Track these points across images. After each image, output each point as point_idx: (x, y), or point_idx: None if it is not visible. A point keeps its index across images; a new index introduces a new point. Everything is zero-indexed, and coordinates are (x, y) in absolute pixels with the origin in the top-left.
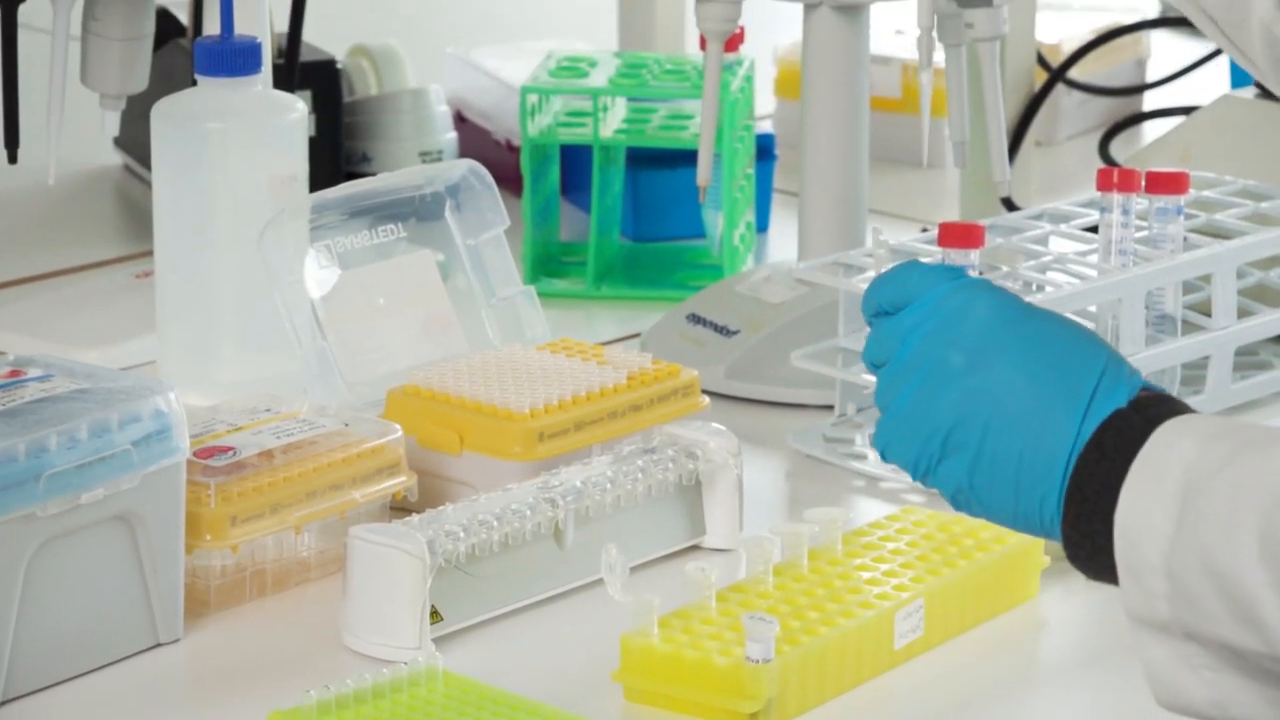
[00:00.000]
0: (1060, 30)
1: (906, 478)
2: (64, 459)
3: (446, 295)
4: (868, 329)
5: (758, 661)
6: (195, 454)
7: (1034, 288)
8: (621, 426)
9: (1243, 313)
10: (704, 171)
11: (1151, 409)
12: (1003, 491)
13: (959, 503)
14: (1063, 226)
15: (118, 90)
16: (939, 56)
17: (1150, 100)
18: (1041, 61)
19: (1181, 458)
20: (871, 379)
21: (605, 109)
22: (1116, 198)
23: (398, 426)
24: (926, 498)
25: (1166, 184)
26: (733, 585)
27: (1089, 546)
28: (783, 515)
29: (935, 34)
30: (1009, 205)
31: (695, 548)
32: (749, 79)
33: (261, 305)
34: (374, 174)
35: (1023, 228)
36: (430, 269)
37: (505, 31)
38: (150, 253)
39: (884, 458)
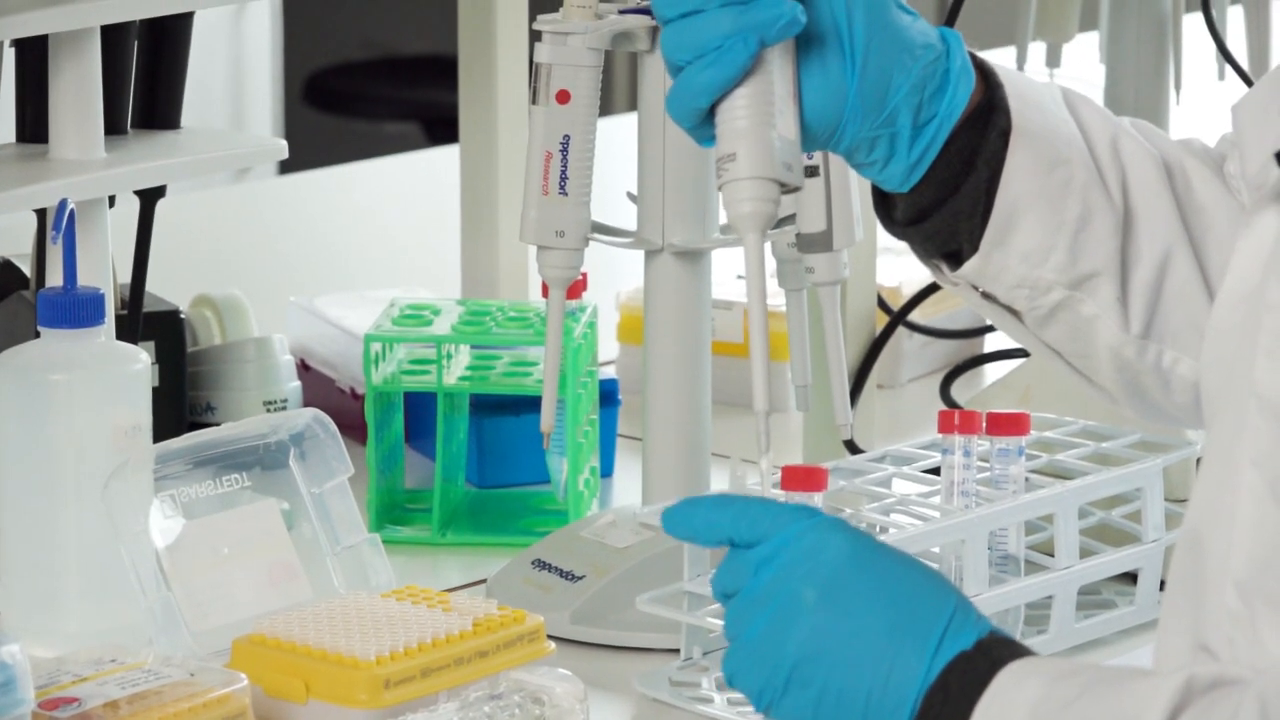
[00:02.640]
0: (900, 274)
1: (754, 714)
2: None
3: (291, 544)
4: (713, 570)
5: None
6: (40, 705)
7: (878, 530)
8: (468, 673)
9: (1085, 552)
10: (548, 418)
11: (996, 651)
12: None
13: None
14: (905, 469)
15: None
16: (779, 300)
17: (990, 342)
18: (882, 305)
19: (1027, 699)
20: (717, 623)
21: (449, 356)
22: (958, 439)
23: (243, 676)
24: None
25: (1007, 425)
26: None
27: None
28: None
29: (776, 279)
30: (852, 448)
31: None
32: (592, 325)
33: (106, 556)
34: (218, 423)
35: (866, 470)
36: (275, 518)
37: (348, 280)
38: None
39: (730, 684)
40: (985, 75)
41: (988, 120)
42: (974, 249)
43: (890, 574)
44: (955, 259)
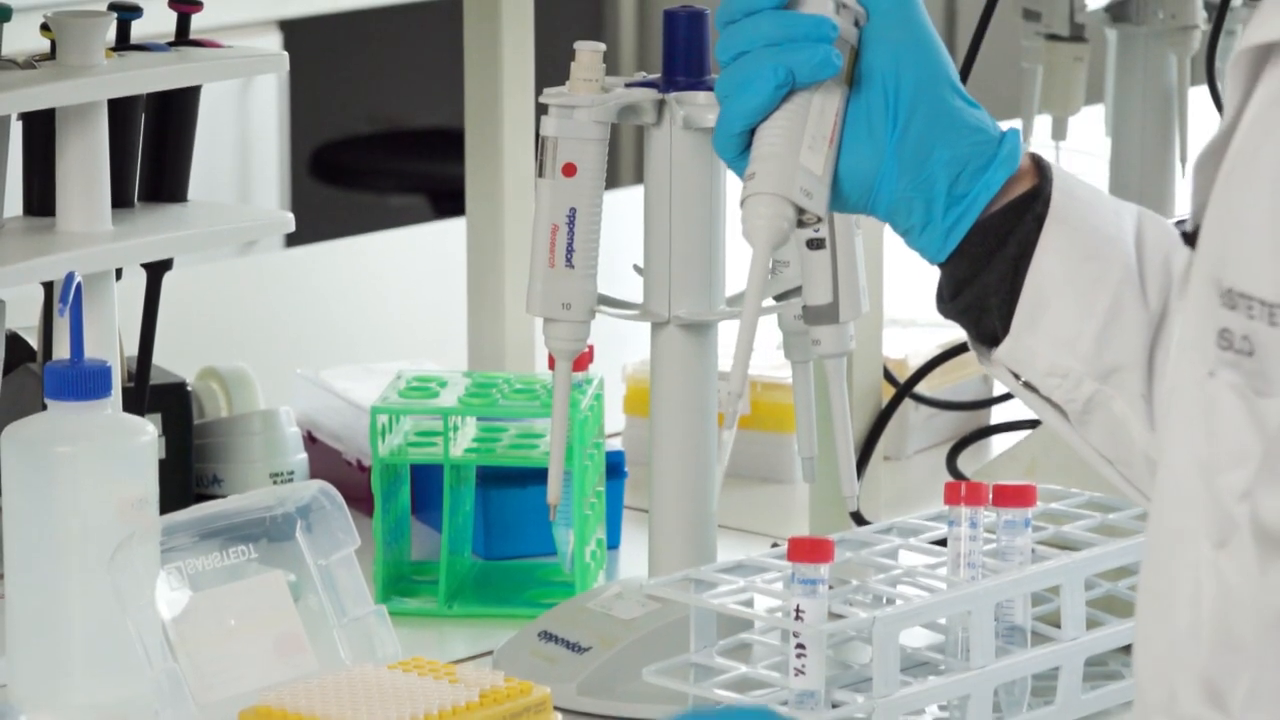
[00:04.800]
0: (906, 346)
1: None
2: None
3: (298, 615)
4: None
5: None
6: None
7: (884, 601)
8: None
9: (1092, 623)
10: (554, 490)
11: None
12: None
13: None
14: (912, 540)
15: None
16: (785, 372)
17: (997, 414)
18: (888, 377)
19: None
20: (725, 695)
21: (455, 428)
22: (964, 511)
23: None
24: None
25: (1013, 497)
26: None
27: None
28: None
29: (782, 350)
30: (858, 519)
31: None
32: (598, 397)
33: (112, 627)
34: (224, 496)
35: (872, 541)
36: (281, 589)
37: (354, 353)
38: (0, 575)
39: None
40: (1041, 171)
41: (1029, 206)
42: (1006, 330)
43: None
44: (994, 343)
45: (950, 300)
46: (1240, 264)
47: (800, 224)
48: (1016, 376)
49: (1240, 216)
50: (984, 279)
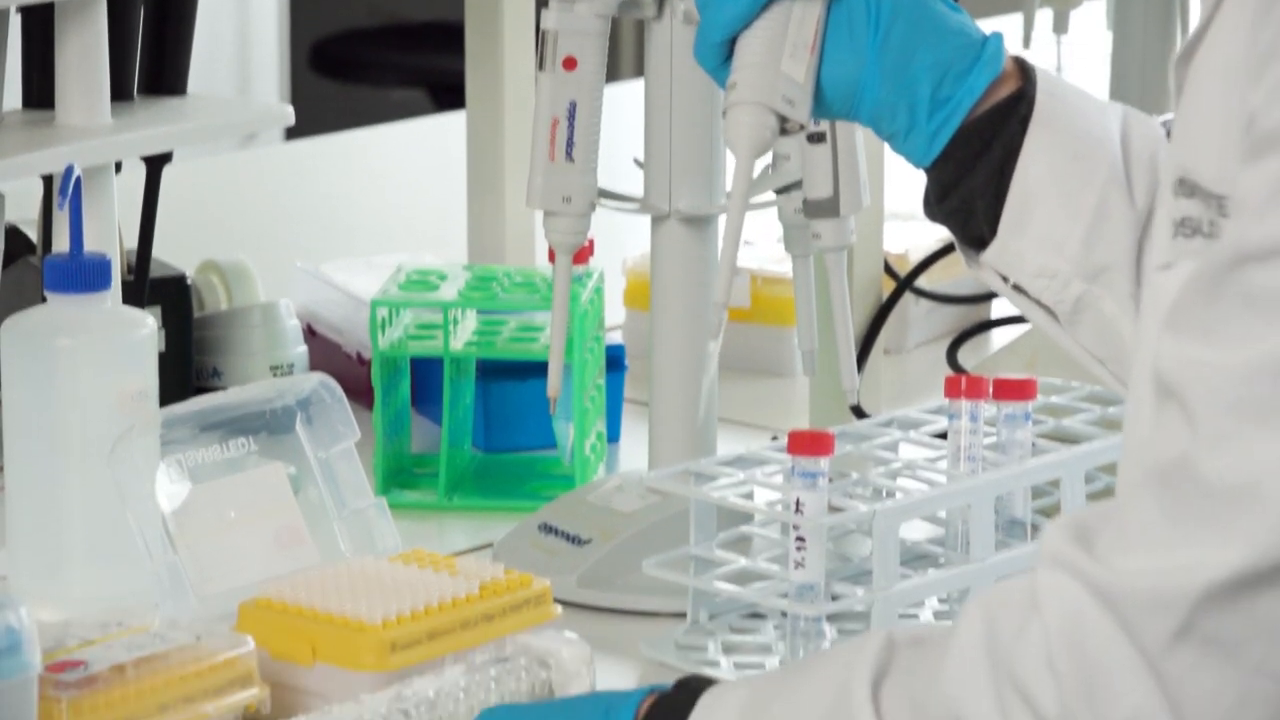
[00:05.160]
0: (907, 239)
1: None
2: None
3: (298, 508)
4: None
5: None
6: (47, 669)
7: (884, 494)
8: (474, 636)
9: None
10: (554, 383)
11: (693, 684)
12: None
13: None
14: (912, 433)
15: None
16: (786, 266)
17: (997, 308)
18: (889, 270)
19: (733, 703)
20: (725, 587)
21: (455, 321)
22: (965, 404)
23: (249, 639)
24: None
25: (1014, 390)
26: None
27: None
28: None
29: (782, 244)
30: (858, 413)
31: None
32: (598, 290)
33: (113, 519)
34: (225, 388)
35: (872, 435)
36: (281, 482)
37: (354, 245)
38: (0, 467)
39: None
40: (1025, 74)
41: (1013, 109)
42: (993, 233)
43: None
44: (981, 246)
45: (937, 204)
46: (1193, 153)
47: (783, 131)
48: (1005, 279)
49: (1194, 106)
50: (970, 183)
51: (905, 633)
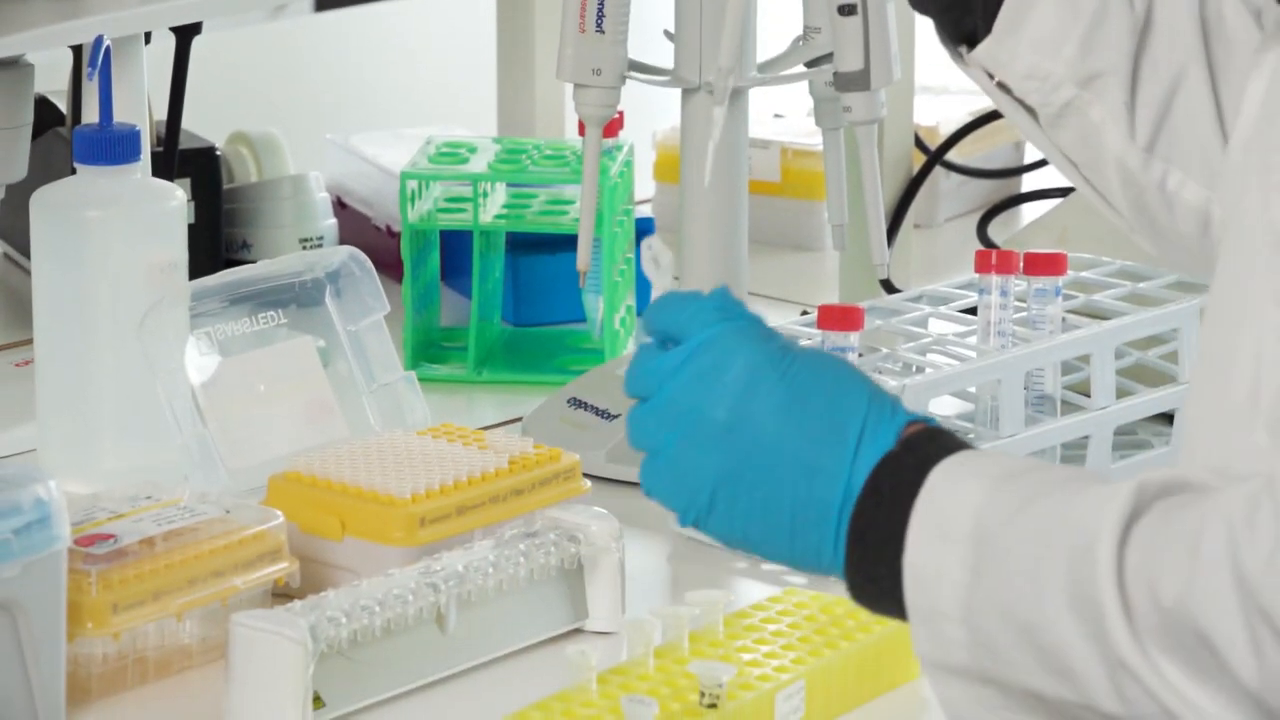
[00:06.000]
0: (938, 113)
1: None
2: None
3: (327, 381)
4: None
5: None
6: (76, 542)
7: (914, 369)
8: (503, 511)
9: (1121, 393)
10: (584, 256)
11: (923, 448)
12: (778, 541)
13: (733, 547)
14: (942, 308)
15: None
16: (816, 139)
17: (1028, 182)
18: (919, 144)
19: (968, 501)
20: None
21: (485, 194)
22: (995, 279)
23: (279, 513)
24: (808, 579)
25: (1044, 265)
26: (614, 668)
27: (874, 590)
28: (665, 598)
29: (813, 117)
30: (888, 287)
31: (578, 631)
32: (628, 164)
33: (142, 393)
34: (254, 261)
35: (902, 310)
36: (311, 355)
37: (384, 118)
38: (30, 341)
39: (648, 495)
40: None
41: None
42: (988, 31)
43: (798, 383)
44: (972, 45)
45: None
46: None
47: None
48: (990, 77)
49: None
50: None
51: (1154, 482)
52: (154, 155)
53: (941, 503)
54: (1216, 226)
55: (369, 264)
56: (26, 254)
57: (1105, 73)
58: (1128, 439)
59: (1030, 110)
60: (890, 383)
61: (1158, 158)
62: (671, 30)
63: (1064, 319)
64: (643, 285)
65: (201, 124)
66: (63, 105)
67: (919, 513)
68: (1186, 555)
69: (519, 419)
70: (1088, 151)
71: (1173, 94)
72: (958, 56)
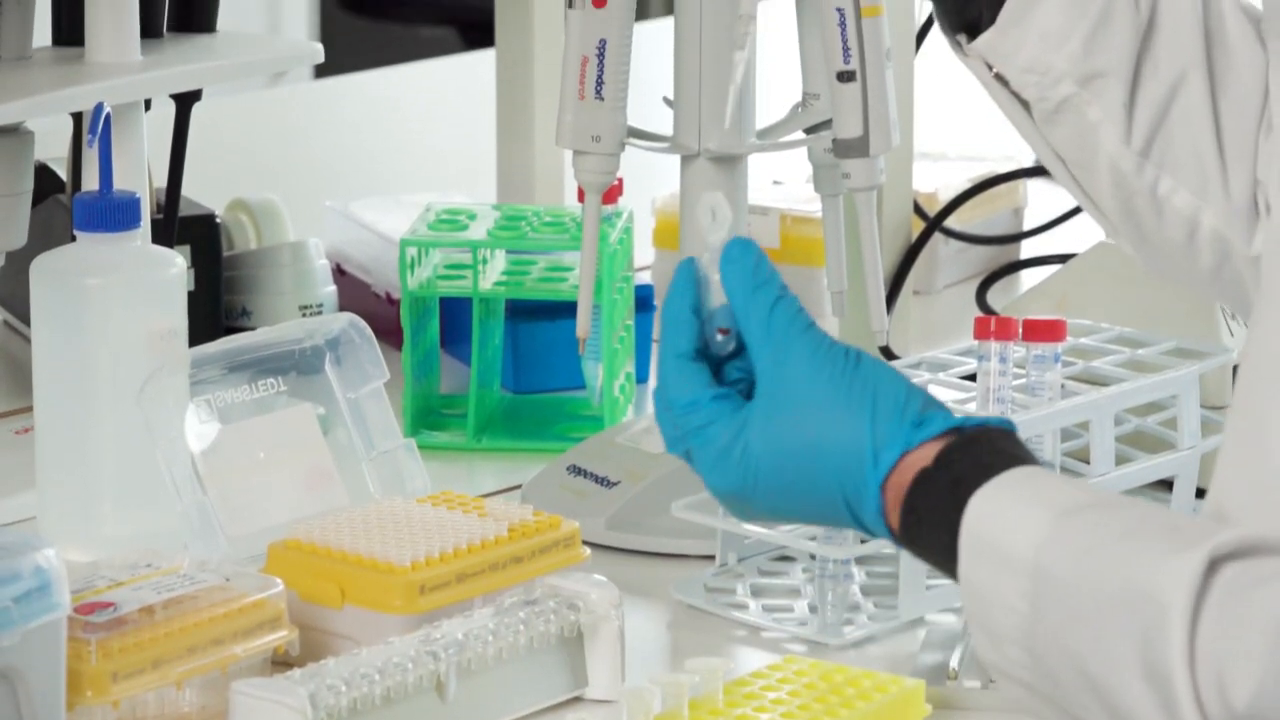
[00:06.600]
0: (937, 179)
1: (789, 626)
2: None
3: (327, 449)
4: None
5: None
6: (76, 610)
7: None
8: (503, 578)
9: (1121, 459)
10: (583, 323)
11: (957, 464)
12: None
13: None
14: (941, 375)
15: None
16: (815, 206)
17: (1027, 248)
18: (919, 210)
19: (1031, 534)
20: (754, 530)
21: (484, 261)
22: (994, 345)
23: (279, 581)
24: (808, 647)
25: (1043, 331)
26: None
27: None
28: (664, 665)
29: (812, 184)
30: (888, 354)
31: (577, 699)
32: (628, 230)
33: (142, 460)
34: (254, 328)
35: None
36: (310, 422)
37: (383, 184)
38: (30, 408)
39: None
40: None
41: None
42: (992, 21)
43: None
44: (974, 35)
45: None
46: None
47: None
48: (989, 67)
49: None
50: None
51: (1228, 543)
52: (154, 222)
53: (997, 526)
54: (1205, 234)
55: (368, 331)
56: (27, 321)
57: (1106, 72)
58: None
59: (1025, 105)
60: None
61: (1151, 162)
62: (671, 97)
63: (1063, 385)
64: (642, 352)
65: (201, 191)
66: (63, 172)
67: (970, 531)
68: (1262, 647)
69: (518, 486)
70: (1080, 151)
71: (1171, 98)
72: (957, 45)
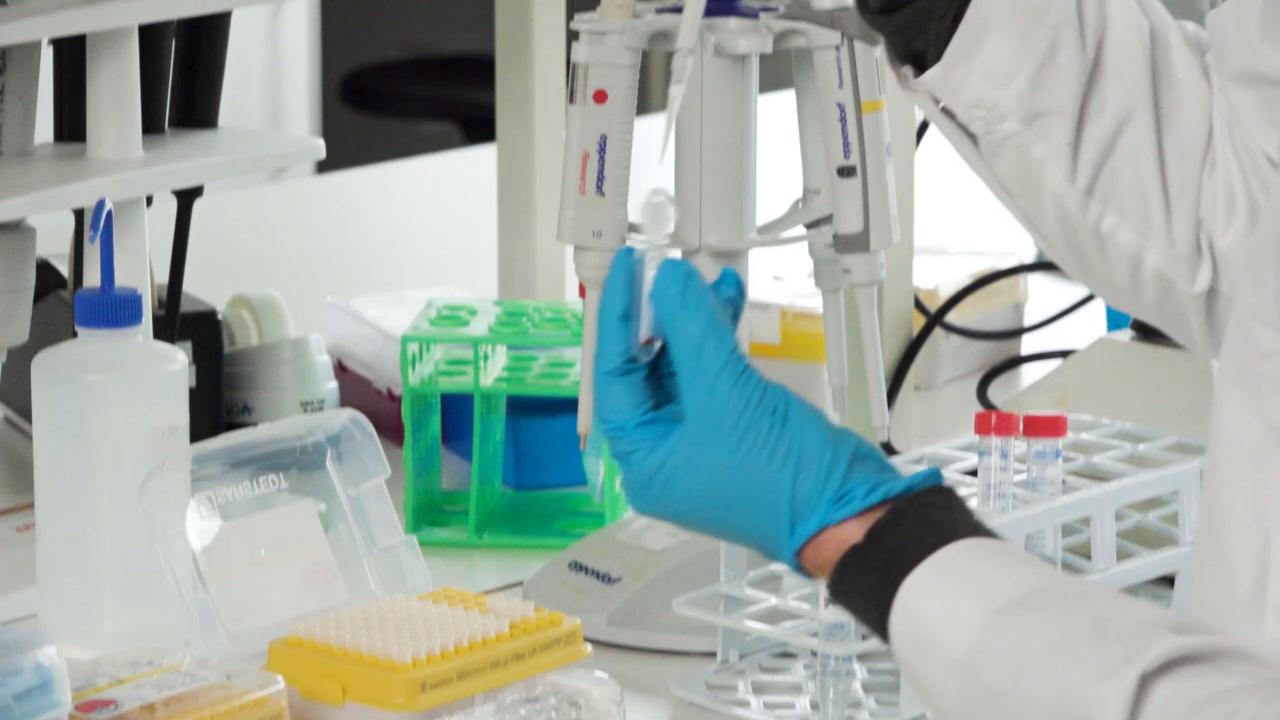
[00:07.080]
0: (938, 275)
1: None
2: None
3: (328, 545)
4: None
5: None
6: (77, 708)
7: None
8: (504, 675)
9: (1122, 555)
10: (585, 419)
11: (890, 541)
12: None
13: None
14: (942, 470)
15: None
16: (816, 301)
17: (1028, 344)
18: (919, 306)
19: (963, 631)
20: (755, 626)
21: (486, 357)
22: (995, 441)
23: (280, 678)
24: None
25: (1044, 427)
26: None
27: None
28: None
29: (813, 279)
30: (889, 449)
31: None
32: None
33: (143, 557)
34: (255, 424)
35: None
36: (312, 519)
37: (385, 280)
38: (31, 505)
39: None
40: None
41: None
42: (939, 55)
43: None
44: (920, 68)
45: (882, 13)
46: None
47: None
48: (936, 102)
49: None
50: (926, 1)
51: (1159, 660)
52: (155, 318)
53: (929, 616)
54: (1148, 272)
55: (370, 427)
56: (28, 417)
57: (1052, 111)
58: None
59: (972, 137)
60: None
61: (1095, 200)
62: (671, 193)
63: (1064, 481)
64: None
65: (203, 287)
66: (64, 268)
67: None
68: None
69: (520, 583)
70: (1025, 186)
71: (1116, 137)
72: (903, 79)
